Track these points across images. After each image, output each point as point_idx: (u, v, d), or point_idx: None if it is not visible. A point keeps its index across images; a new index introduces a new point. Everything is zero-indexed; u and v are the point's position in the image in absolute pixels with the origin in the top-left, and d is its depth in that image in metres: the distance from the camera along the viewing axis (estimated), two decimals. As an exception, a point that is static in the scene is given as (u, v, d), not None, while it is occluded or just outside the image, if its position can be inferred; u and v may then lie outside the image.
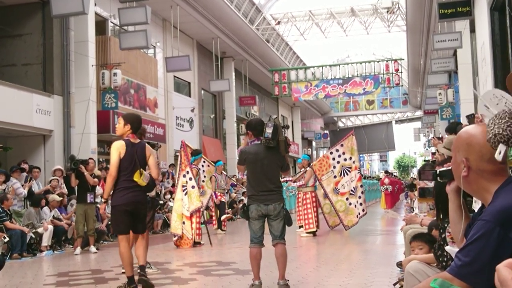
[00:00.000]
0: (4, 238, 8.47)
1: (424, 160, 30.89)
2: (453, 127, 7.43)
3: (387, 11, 28.33)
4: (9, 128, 12.16)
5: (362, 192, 11.25)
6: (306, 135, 39.91)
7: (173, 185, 13.20)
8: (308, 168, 11.33)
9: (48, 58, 13.34)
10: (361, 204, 11.11)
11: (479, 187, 1.81)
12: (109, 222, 10.64)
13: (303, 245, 9.86)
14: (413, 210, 7.75)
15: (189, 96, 21.86)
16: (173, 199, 11.88)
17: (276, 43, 28.13)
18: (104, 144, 15.46)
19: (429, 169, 4.09)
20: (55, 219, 9.92)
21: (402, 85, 29.20)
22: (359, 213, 11.14)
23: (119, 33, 14.26)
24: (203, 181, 10.74)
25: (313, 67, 23.35)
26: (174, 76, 19.95)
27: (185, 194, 9.43)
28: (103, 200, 5.20)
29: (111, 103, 14.21)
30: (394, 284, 4.68)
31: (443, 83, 19.41)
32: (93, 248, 9.34)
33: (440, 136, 13.90)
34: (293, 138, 35.69)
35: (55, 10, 10.97)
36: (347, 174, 11.16)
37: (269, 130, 5.16)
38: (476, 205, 3.11)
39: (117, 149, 5.31)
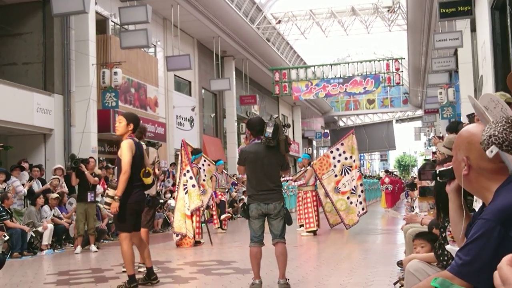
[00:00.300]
0: (5, 237, 8.47)
1: (425, 159, 30.93)
2: (454, 126, 7.42)
3: (388, 10, 28.33)
4: (10, 127, 12.16)
5: (362, 191, 11.27)
6: (306, 134, 39.91)
7: (174, 184, 13.20)
8: (308, 167, 11.33)
9: (49, 57, 13.35)
10: (361, 202, 11.14)
11: (480, 186, 1.81)
12: (110, 221, 10.67)
13: (303, 244, 9.87)
14: (414, 209, 7.75)
15: (190, 95, 21.85)
16: (173, 198, 11.89)
17: (277, 42, 28.12)
18: (105, 143, 15.46)
19: (430, 168, 4.09)
20: (56, 218, 9.93)
21: (402, 84, 29.24)
22: (359, 212, 11.16)
23: (119, 32, 14.27)
24: (204, 180, 10.74)
25: (314, 66, 23.32)
26: (175, 75, 19.95)
27: (186, 193, 9.44)
28: (116, 198, 5.22)
29: (111, 102, 14.22)
30: (395, 283, 4.68)
31: (443, 82, 19.38)
32: (93, 247, 9.35)
33: (441, 135, 13.88)
34: (293, 137, 35.66)
35: (56, 9, 10.97)
36: (348, 173, 11.18)
37: (269, 130, 5.16)
38: (477, 204, 3.11)
39: (130, 148, 5.39)
